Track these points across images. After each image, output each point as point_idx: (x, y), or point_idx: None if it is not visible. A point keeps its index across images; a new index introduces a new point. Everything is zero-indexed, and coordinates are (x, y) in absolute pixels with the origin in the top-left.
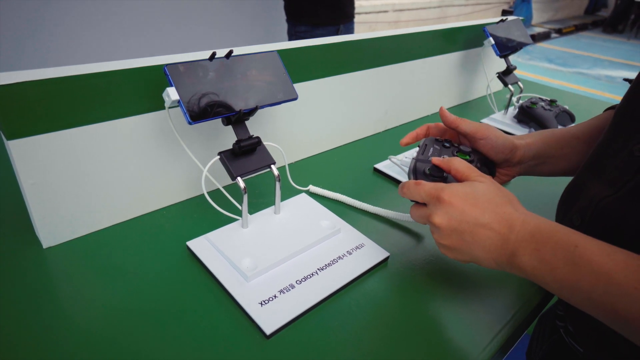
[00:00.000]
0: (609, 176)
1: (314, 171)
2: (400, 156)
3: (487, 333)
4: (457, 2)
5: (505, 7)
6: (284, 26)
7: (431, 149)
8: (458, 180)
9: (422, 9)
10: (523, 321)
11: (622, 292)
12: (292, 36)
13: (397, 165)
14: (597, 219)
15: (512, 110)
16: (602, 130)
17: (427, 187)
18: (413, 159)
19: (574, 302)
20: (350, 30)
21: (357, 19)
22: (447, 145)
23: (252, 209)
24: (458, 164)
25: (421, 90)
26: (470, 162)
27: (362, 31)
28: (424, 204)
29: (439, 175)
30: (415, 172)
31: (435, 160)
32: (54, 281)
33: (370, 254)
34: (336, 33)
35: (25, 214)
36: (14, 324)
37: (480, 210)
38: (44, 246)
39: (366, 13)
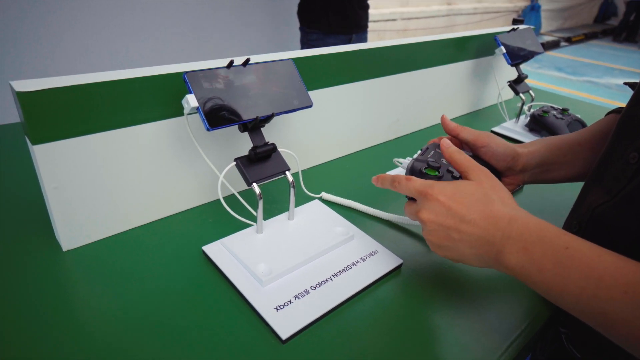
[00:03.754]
0: (606, 184)
1: (326, 178)
2: (405, 159)
3: (499, 344)
4: (465, 11)
5: (514, 15)
6: (297, 33)
7: (432, 152)
8: (457, 171)
9: (430, 17)
10: (534, 335)
11: (610, 296)
12: (304, 44)
13: (401, 167)
14: (593, 225)
15: (524, 119)
16: (604, 135)
17: (417, 183)
18: (412, 158)
19: (562, 304)
20: (363, 40)
21: None
22: None
23: (266, 215)
24: (458, 155)
25: (432, 98)
26: None
27: (370, 39)
28: (415, 201)
29: (434, 174)
30: (412, 171)
31: (444, 143)
32: (72, 284)
33: (384, 260)
34: (348, 42)
35: (46, 217)
36: (31, 327)
37: (467, 208)
38: (64, 249)
39: (374, 21)
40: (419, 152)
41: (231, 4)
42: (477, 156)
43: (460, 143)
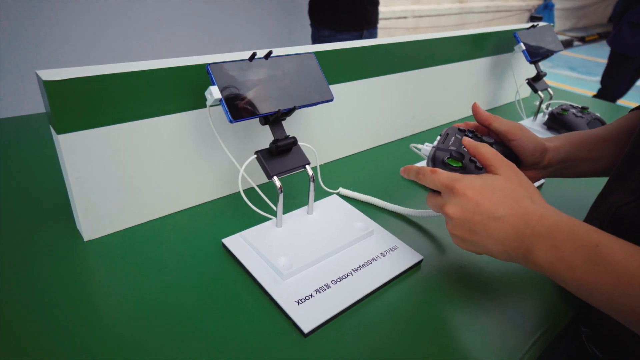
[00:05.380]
0: (631, 184)
1: (343, 173)
2: (423, 145)
3: (523, 342)
4: (477, 9)
5: (527, 14)
6: (308, 29)
7: (452, 138)
8: (482, 165)
9: (441, 15)
10: (558, 334)
11: None
12: (315, 40)
13: (418, 154)
14: (615, 225)
15: (542, 117)
16: (629, 131)
17: (442, 176)
18: (433, 147)
19: (591, 301)
20: (373, 36)
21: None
22: (470, 135)
23: (284, 209)
24: (484, 149)
25: (449, 95)
26: None
27: (381, 37)
28: (440, 193)
29: (458, 165)
30: (434, 161)
31: (466, 140)
32: (93, 274)
33: (404, 256)
34: (360, 38)
35: (68, 206)
36: (50, 315)
37: (496, 204)
38: (85, 239)
39: (385, 19)
40: (438, 138)
41: None
42: (499, 143)
43: (488, 132)
